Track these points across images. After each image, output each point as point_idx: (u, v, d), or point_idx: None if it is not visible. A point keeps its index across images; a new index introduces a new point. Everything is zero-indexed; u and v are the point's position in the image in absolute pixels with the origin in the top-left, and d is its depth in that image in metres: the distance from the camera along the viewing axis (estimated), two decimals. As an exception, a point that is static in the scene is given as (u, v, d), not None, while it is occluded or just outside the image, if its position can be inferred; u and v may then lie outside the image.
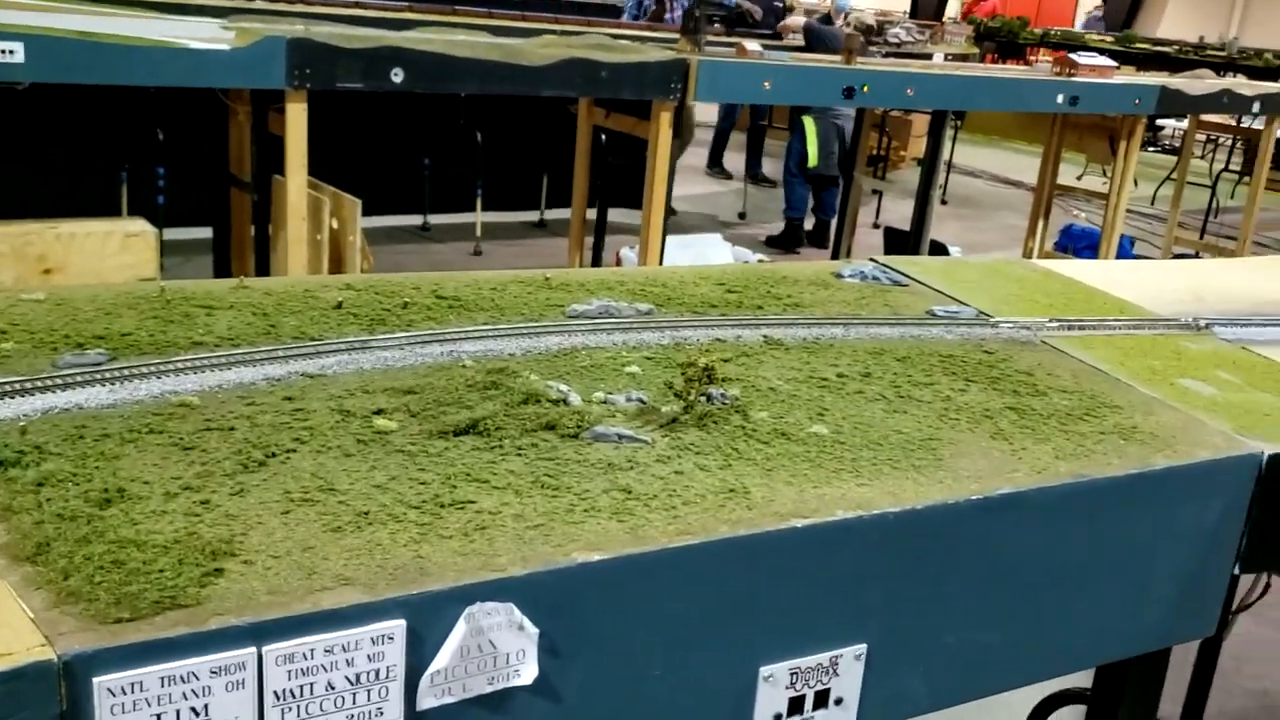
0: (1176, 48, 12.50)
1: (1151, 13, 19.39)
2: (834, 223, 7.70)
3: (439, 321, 1.32)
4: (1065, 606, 1.13)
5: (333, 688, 0.78)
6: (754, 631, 0.96)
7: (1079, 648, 1.17)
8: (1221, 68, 11.29)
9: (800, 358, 1.34)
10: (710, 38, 6.55)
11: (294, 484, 0.92)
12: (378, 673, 0.79)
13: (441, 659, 0.81)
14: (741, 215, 9.34)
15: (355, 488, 0.92)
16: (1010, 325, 1.52)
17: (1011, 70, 8.06)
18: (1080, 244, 7.68)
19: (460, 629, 0.81)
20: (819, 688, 1.00)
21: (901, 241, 7.01)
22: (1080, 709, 2.22)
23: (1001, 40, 13.32)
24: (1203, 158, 10.92)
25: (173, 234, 6.32)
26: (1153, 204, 10.35)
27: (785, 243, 8.21)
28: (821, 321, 1.45)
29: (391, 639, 0.79)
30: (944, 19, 14.26)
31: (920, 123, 11.51)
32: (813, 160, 7.65)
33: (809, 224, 8.29)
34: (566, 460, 1.00)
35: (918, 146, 11.78)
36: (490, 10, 6.74)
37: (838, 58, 6.07)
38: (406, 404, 1.07)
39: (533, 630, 0.83)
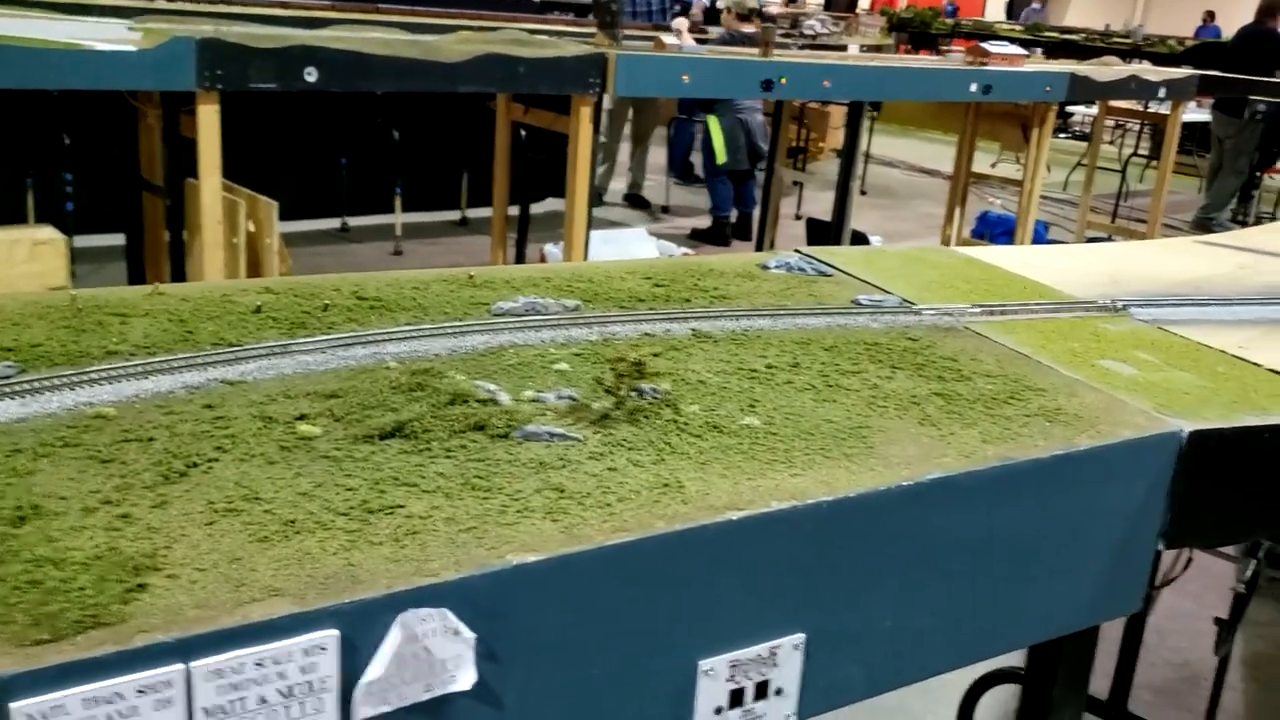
0: (1084, 36, 12.77)
1: (1059, 1, 19.78)
2: (756, 214, 7.74)
3: (361, 323, 1.29)
4: (997, 588, 1.14)
5: (265, 701, 0.76)
6: (693, 626, 0.95)
7: (1012, 628, 1.18)
8: (1128, 55, 11.55)
9: (729, 350, 1.34)
10: (630, 32, 6.55)
11: (217, 494, 0.89)
12: (311, 684, 0.77)
13: (376, 668, 0.79)
14: (665, 209, 9.35)
15: (280, 496, 0.90)
16: (933, 312, 1.54)
17: (926, 60, 8.16)
18: (996, 230, 7.81)
19: (394, 637, 0.79)
20: (759, 679, 1.00)
21: (823, 232, 7.08)
22: (1013, 687, 2.26)
23: (914, 31, 13.50)
24: (1112, 143, 11.17)
25: (83, 241, 6.17)
26: (1065, 189, 10.57)
27: (711, 237, 8.24)
28: (749, 313, 1.45)
29: (324, 649, 0.77)
30: (856, 11, 14.42)
31: (838, 114, 11.63)
32: (720, 158, 7.69)
33: (733, 217, 8.32)
34: (497, 461, 0.99)
35: (836, 138, 11.91)
36: (413, 7, 6.65)
37: (755, 50, 6.10)
38: (330, 408, 1.05)
39: (469, 635, 0.82)
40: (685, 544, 0.92)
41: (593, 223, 9.02)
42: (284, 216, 8.03)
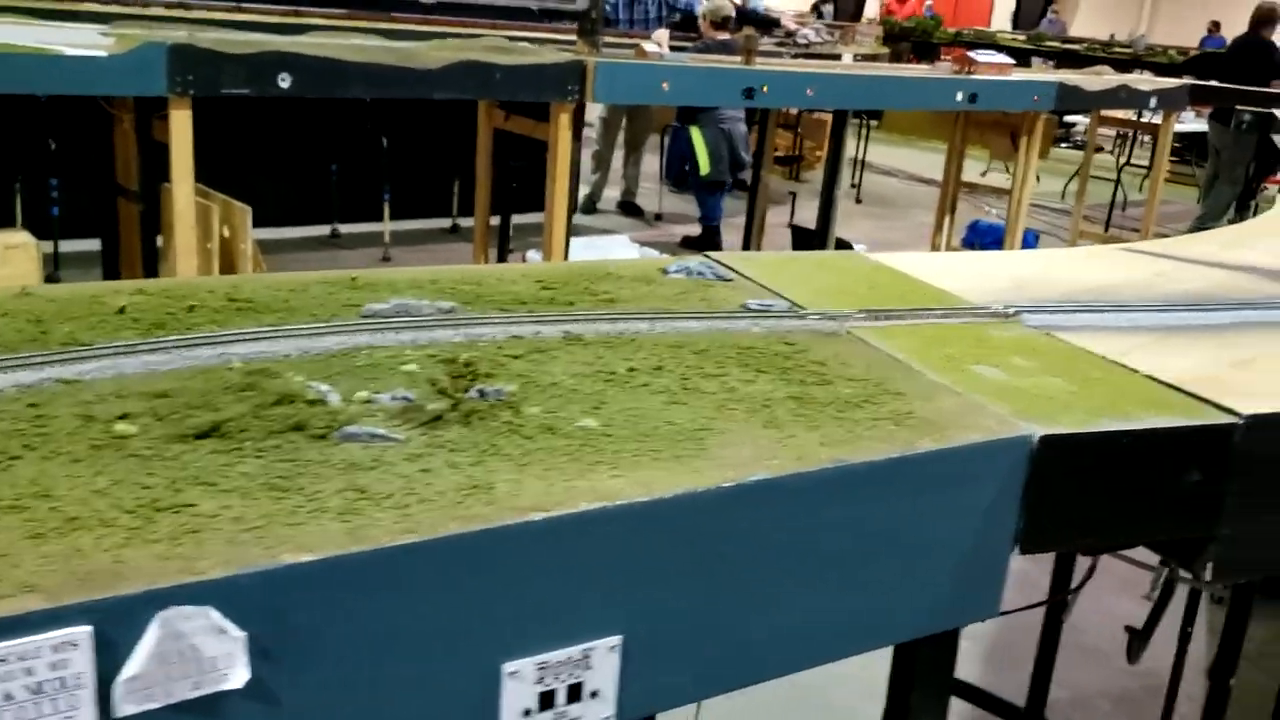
0: (1085, 45, 12.74)
1: (1065, 12, 19.75)
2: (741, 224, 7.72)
3: (222, 324, 1.30)
4: (835, 590, 1.14)
5: (11, 698, 0.75)
6: (495, 628, 0.95)
7: (855, 631, 1.17)
8: (1129, 64, 11.53)
9: (596, 353, 1.33)
10: (612, 40, 6.56)
11: (8, 491, 0.89)
12: (63, 680, 0.77)
13: (134, 664, 0.79)
14: (658, 217, 9.36)
15: (73, 493, 0.90)
16: (818, 317, 1.53)
17: (912, 69, 8.16)
18: (987, 239, 7.80)
19: (152, 633, 0.79)
20: (571, 681, 0.99)
21: (808, 240, 7.07)
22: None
23: (916, 40, 13.49)
24: (1113, 153, 11.13)
25: (70, 246, 6.20)
26: (1063, 199, 10.54)
27: (702, 245, 8.23)
28: (628, 316, 1.45)
29: (76, 646, 0.77)
30: (862, 19, 14.42)
31: (836, 123, 11.64)
32: (705, 169, 7.68)
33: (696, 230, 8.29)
34: (307, 461, 0.99)
35: (834, 146, 11.91)
36: (390, 14, 6.68)
37: (737, 58, 6.10)
38: (154, 408, 1.05)
39: (238, 634, 0.82)
40: (482, 546, 0.92)
41: (584, 231, 9.04)
42: (275, 223, 8.09)
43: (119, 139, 4.74)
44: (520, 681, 0.97)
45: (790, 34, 9.37)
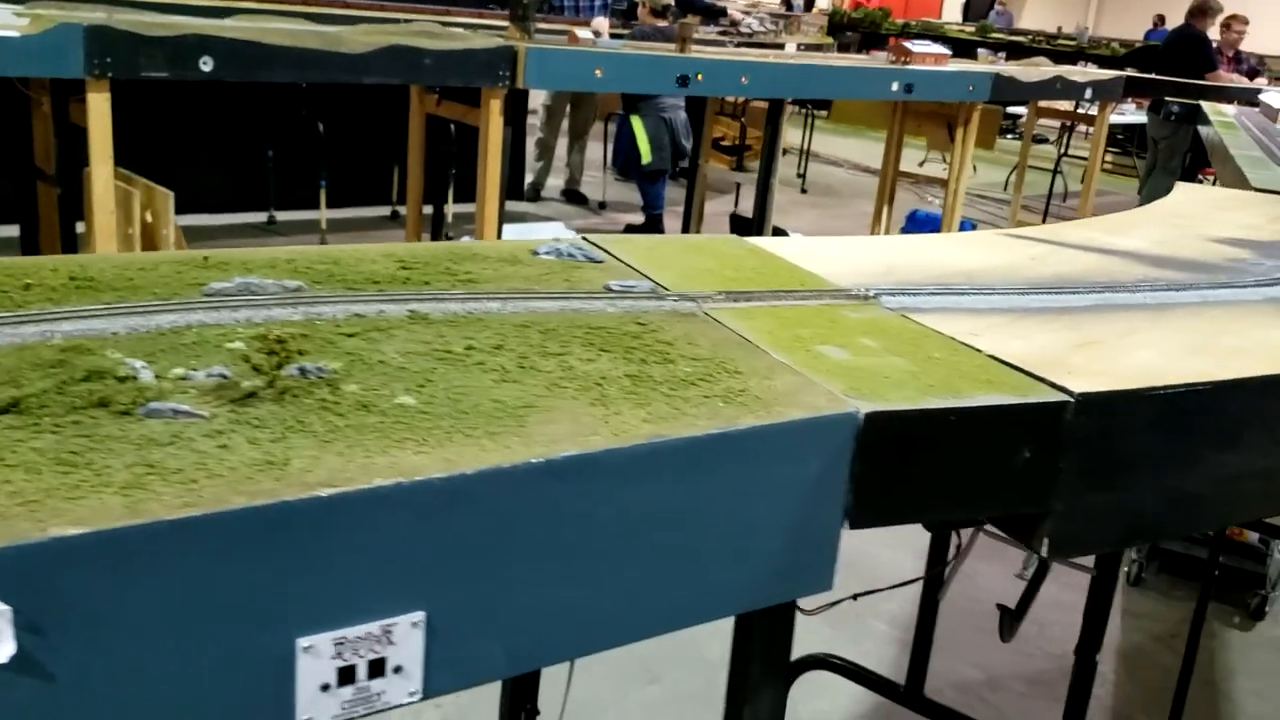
0: (1030, 37, 12.85)
1: (1013, 5, 19.89)
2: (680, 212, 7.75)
3: (58, 302, 1.28)
4: (657, 564, 1.14)
5: None
6: (286, 603, 0.95)
7: (680, 604, 1.18)
8: (1073, 57, 11.63)
9: (438, 331, 1.33)
10: (546, 26, 6.54)
11: None
12: None
13: (-115, 639, 0.78)
14: (602, 205, 9.35)
15: None
16: (677, 298, 1.54)
17: (848, 59, 8.19)
18: (925, 229, 7.86)
19: (-96, 606, 0.78)
20: (372, 656, 0.99)
21: (746, 227, 7.09)
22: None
23: (865, 31, 13.54)
24: (1055, 143, 11.23)
25: (-2, 231, 6.10)
26: (1005, 189, 10.63)
27: (647, 233, 8.23)
28: (479, 296, 1.45)
29: None
30: (814, 9, 14.45)
31: (785, 112, 11.67)
32: (646, 158, 7.68)
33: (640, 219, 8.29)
34: (104, 437, 0.98)
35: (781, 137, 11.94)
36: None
37: (672, 46, 6.10)
38: (-44, 384, 1.04)
39: (2, 607, 0.81)
40: (269, 520, 0.92)
41: (528, 218, 9.00)
42: (211, 209, 7.97)
43: (38, 122, 4.68)
44: (315, 657, 0.97)
45: (735, 23, 9.37)
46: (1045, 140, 11.76)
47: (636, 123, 7.57)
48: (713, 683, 1.55)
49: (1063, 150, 10.03)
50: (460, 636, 1.04)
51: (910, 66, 6.57)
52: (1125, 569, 4.25)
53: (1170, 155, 8.38)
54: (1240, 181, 3.21)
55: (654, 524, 1.12)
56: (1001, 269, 1.88)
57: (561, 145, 9.39)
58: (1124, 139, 11.27)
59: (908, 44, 6.77)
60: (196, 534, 0.89)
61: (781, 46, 9.08)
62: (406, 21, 5.59)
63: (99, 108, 4.20)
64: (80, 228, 4.55)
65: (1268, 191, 3.04)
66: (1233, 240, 2.26)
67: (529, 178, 9.33)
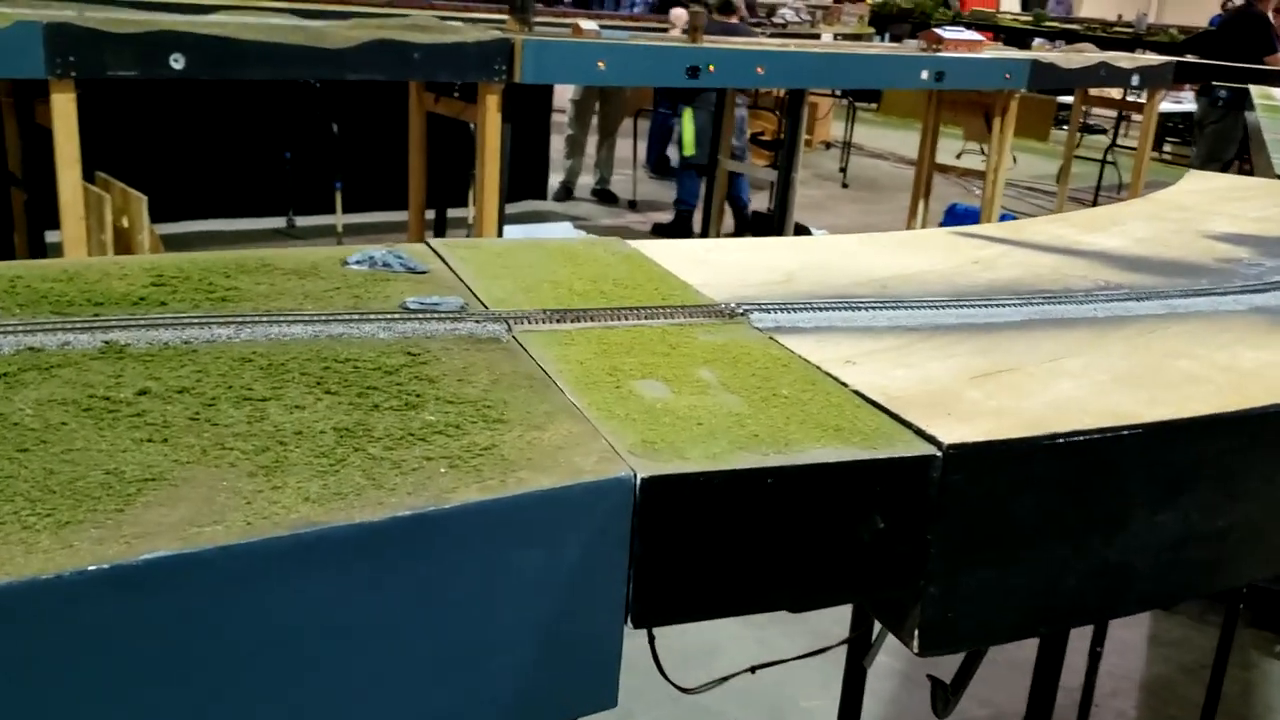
0: (1084, 25, 12.32)
1: (1075, -8, 19.26)
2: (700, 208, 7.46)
3: None
4: (361, 686, 0.86)
5: None
6: None
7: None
8: (1130, 44, 11.14)
9: (118, 370, 1.04)
10: (547, 18, 6.27)
11: None
12: None
13: None
14: (632, 204, 9.07)
15: None
16: (483, 319, 1.25)
17: (873, 47, 7.83)
18: (965, 222, 7.45)
19: None
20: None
21: (766, 225, 6.78)
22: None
23: (915, 22, 13.12)
24: (1107, 133, 10.74)
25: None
26: (1058, 181, 10.16)
27: (674, 231, 7.94)
28: (211, 320, 1.16)
29: None
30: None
31: (826, 105, 11.29)
32: (689, 150, 7.39)
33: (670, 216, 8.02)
34: None
35: (825, 129, 11.58)
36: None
37: (684, 36, 5.81)
38: None
39: None
40: None
41: (549, 218, 8.75)
42: (229, 213, 7.82)
43: (9, 125, 4.52)
44: None
45: (770, 13, 9.06)
46: (1103, 131, 11.23)
47: (687, 114, 7.27)
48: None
49: (1113, 140, 9.54)
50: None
51: (941, 53, 6.21)
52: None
53: (1223, 143, 7.87)
54: (1270, 169, 2.84)
55: (316, 641, 0.83)
56: (930, 276, 1.56)
57: (591, 144, 9.12)
58: (1184, 128, 10.71)
59: (939, 30, 6.41)
60: None
61: (818, 37, 8.72)
62: (401, 15, 5.36)
63: (64, 109, 4.01)
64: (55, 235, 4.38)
65: (1297, 180, 2.67)
66: (1233, 236, 1.92)
67: (558, 176, 9.07)
